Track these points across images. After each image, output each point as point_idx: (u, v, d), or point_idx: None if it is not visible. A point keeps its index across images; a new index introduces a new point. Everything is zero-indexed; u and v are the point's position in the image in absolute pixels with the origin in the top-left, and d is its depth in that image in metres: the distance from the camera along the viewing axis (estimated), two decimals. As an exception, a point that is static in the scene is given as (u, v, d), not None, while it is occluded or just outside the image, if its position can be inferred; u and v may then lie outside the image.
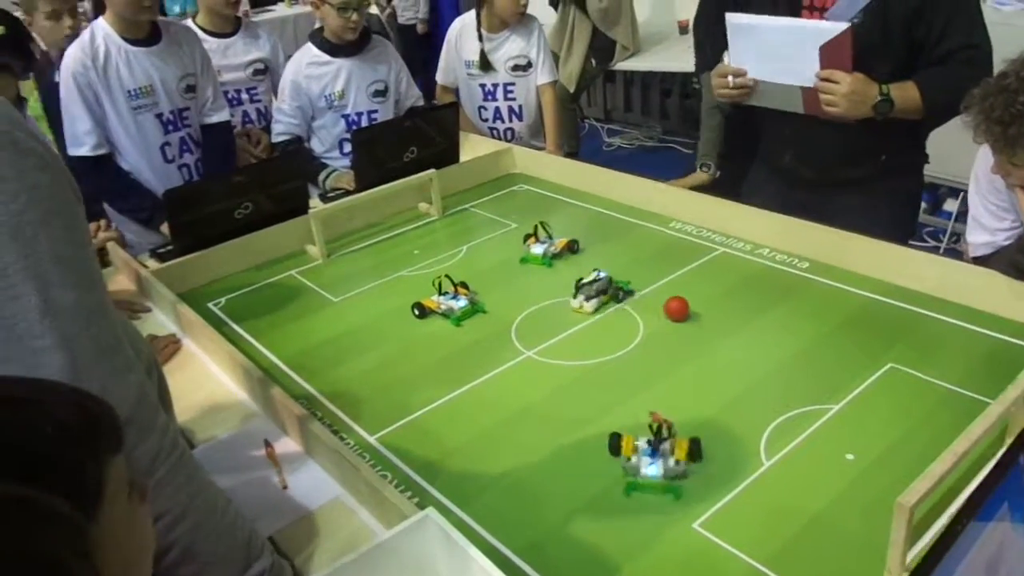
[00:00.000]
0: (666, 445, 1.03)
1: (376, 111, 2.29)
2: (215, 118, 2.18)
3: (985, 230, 1.39)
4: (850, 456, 1.05)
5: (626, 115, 5.09)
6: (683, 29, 4.34)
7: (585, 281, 1.45)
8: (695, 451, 1.05)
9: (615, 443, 1.06)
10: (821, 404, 1.14)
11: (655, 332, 1.37)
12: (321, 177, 2.23)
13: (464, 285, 1.51)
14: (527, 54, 2.50)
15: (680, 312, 1.37)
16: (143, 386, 0.79)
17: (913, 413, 1.12)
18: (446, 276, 1.51)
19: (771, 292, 1.46)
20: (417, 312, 1.48)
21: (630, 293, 1.47)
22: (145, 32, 2.00)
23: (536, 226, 1.67)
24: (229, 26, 2.43)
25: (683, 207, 1.77)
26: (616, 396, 1.21)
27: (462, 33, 2.53)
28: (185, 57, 2.07)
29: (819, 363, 1.25)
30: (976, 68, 1.50)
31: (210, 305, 1.59)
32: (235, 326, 1.51)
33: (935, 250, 3.12)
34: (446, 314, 1.46)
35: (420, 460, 1.12)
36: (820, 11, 1.59)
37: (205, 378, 1.36)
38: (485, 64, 2.47)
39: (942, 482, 0.86)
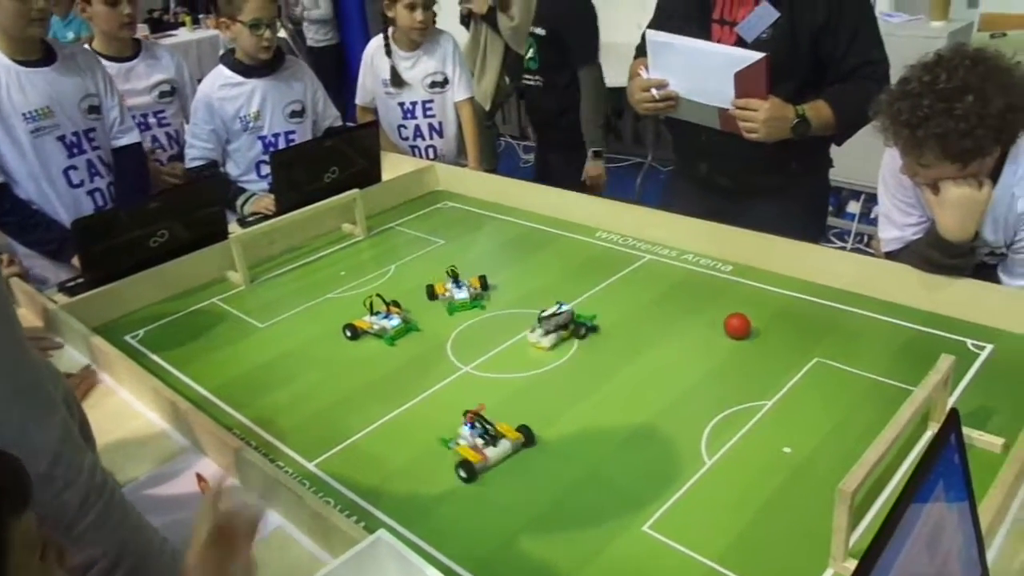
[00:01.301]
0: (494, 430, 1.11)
1: (293, 132, 2.25)
2: (124, 140, 2.09)
3: (895, 226, 1.46)
4: (787, 449, 1.08)
5: (541, 131, 5.14)
6: (593, 46, 4.43)
7: (546, 314, 1.37)
8: (527, 436, 1.13)
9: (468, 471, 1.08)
10: (755, 401, 1.17)
11: (589, 341, 1.38)
12: (239, 202, 2.16)
13: (396, 304, 1.49)
14: (443, 70, 2.51)
15: (742, 329, 1.33)
16: (67, 425, 0.75)
17: (841, 404, 1.16)
18: (377, 296, 1.48)
19: (699, 296, 1.49)
20: (348, 334, 1.45)
21: (594, 329, 1.39)
22: (37, 53, 1.90)
23: (447, 271, 1.57)
24: (127, 49, 2.34)
25: (608, 217, 1.80)
26: (556, 406, 1.21)
27: (377, 52, 2.52)
28: (85, 77, 1.98)
29: (750, 362, 1.29)
30: (878, 83, 1.58)
31: (127, 338, 1.52)
32: (156, 358, 1.45)
33: (842, 250, 3.26)
34: (379, 334, 1.44)
35: (362, 484, 1.09)
36: (731, 24, 1.65)
37: (125, 414, 1.30)
38: (397, 80, 2.46)
39: (877, 467, 0.90)
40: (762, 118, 1.55)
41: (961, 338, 1.28)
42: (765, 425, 1.13)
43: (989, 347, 1.25)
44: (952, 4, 3.04)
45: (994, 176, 1.31)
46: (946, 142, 1.20)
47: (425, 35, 2.44)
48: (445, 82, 2.51)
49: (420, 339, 1.44)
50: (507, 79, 4.19)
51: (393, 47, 2.47)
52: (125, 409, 1.31)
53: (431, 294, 1.55)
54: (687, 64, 1.61)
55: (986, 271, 1.40)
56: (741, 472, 1.05)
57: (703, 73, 1.59)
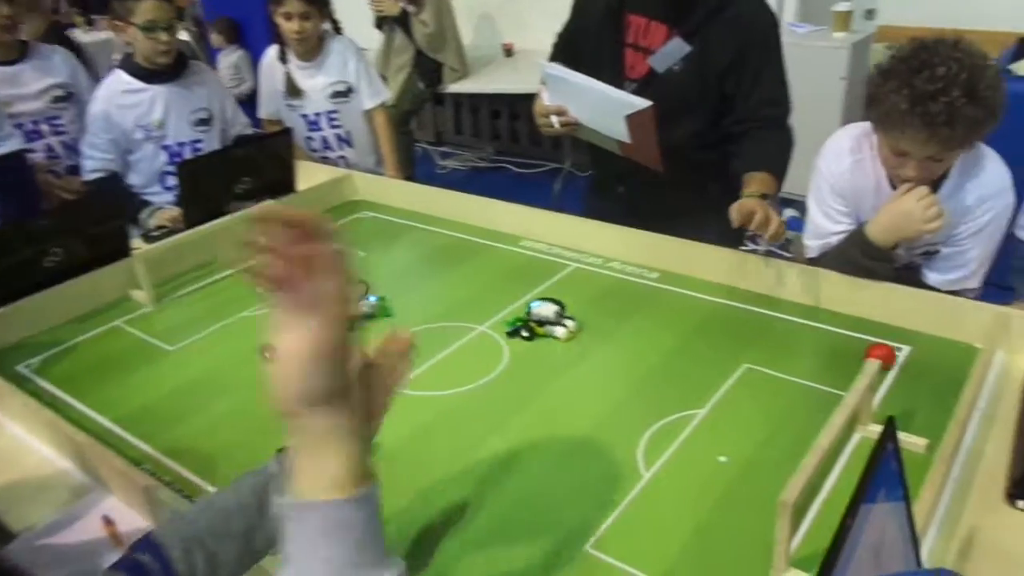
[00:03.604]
0: None
1: (200, 141, 2.14)
2: (1, 149, 1.94)
3: (821, 234, 1.49)
4: (723, 458, 1.07)
5: (457, 137, 5.12)
6: (508, 52, 4.44)
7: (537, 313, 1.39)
8: None
9: None
10: (688, 410, 1.17)
11: (519, 354, 1.35)
12: (143, 215, 2.04)
13: (316, 321, 1.42)
14: (345, 79, 2.44)
15: (890, 358, 1.24)
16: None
17: (773, 410, 1.17)
18: (296, 313, 1.41)
19: (626, 305, 1.48)
20: (267, 355, 1.37)
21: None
22: None
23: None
24: (13, 52, 2.19)
25: (532, 225, 1.78)
26: (489, 423, 1.18)
27: (274, 63, 2.43)
28: None
29: (680, 370, 1.28)
30: (783, 130, 1.62)
31: (20, 368, 1.40)
32: (53, 388, 1.34)
33: (767, 256, 3.34)
34: (300, 354, 1.37)
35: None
36: (645, 51, 1.65)
37: (17, 452, 1.19)
38: (293, 89, 2.38)
39: (814, 475, 0.90)
40: (763, 217, 1.42)
41: (881, 340, 1.30)
42: (700, 434, 1.12)
43: (907, 349, 1.29)
44: (853, 16, 3.17)
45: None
46: (952, 123, 1.22)
47: (306, 44, 2.36)
48: (349, 91, 2.44)
49: (343, 357, 1.37)
50: (421, 85, 4.15)
51: (289, 56, 2.39)
52: (18, 447, 1.20)
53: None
54: (582, 99, 1.60)
55: (908, 273, 1.45)
56: (679, 484, 1.03)
57: (598, 109, 1.59)
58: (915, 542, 0.80)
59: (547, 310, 1.39)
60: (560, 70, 1.60)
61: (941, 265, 1.44)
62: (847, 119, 3.12)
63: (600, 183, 1.96)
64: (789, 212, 3.48)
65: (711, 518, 0.98)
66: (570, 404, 1.21)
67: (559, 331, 1.38)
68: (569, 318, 1.39)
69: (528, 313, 1.40)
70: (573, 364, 1.31)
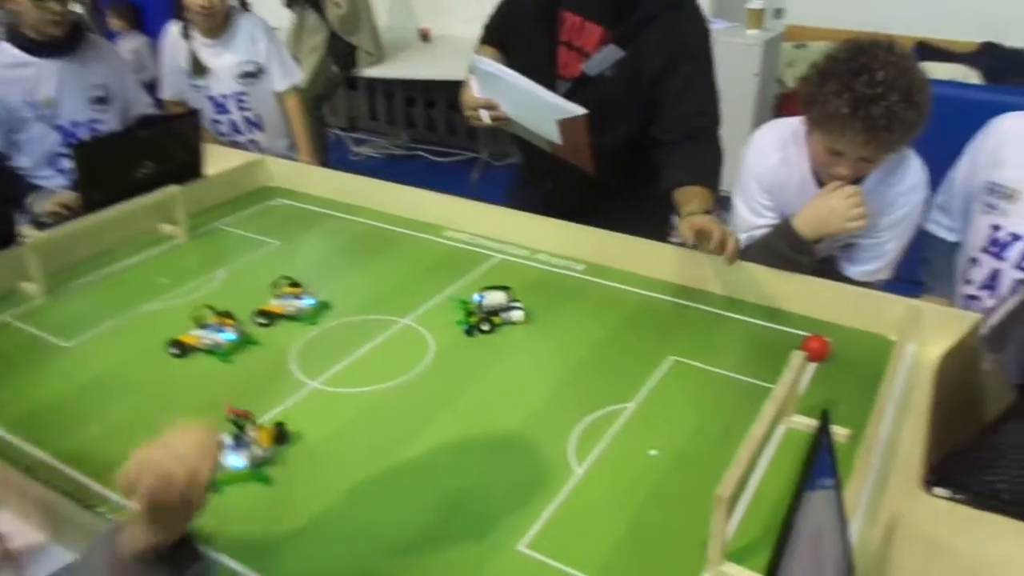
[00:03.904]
0: (251, 435, 1.04)
1: (98, 121, 2.00)
2: None
3: (746, 227, 1.51)
4: (653, 452, 1.07)
5: (371, 123, 5.00)
6: (424, 36, 4.35)
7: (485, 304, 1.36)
8: (280, 433, 1.07)
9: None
10: (618, 404, 1.16)
11: (445, 347, 1.31)
12: (30, 200, 1.89)
13: (229, 315, 1.34)
14: (254, 59, 2.33)
15: (823, 353, 1.26)
16: None
17: (700, 402, 1.17)
18: (207, 307, 1.33)
19: (554, 297, 1.46)
20: (175, 351, 1.29)
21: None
22: None
23: (271, 286, 1.44)
24: None
25: (456, 215, 1.74)
26: (416, 420, 1.14)
27: (176, 40, 2.30)
28: None
29: (609, 363, 1.27)
30: (712, 142, 1.60)
31: None
32: (-68, 389, 1.22)
33: (693, 249, 3.40)
34: (211, 350, 1.29)
35: (203, 524, 0.96)
36: (578, 51, 1.63)
37: None
38: (198, 67, 2.26)
39: (747, 468, 0.90)
40: (722, 235, 1.37)
41: (801, 332, 1.33)
42: (630, 428, 1.11)
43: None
44: (765, 14, 3.25)
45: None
46: (891, 127, 1.25)
47: (213, 20, 2.24)
48: (259, 72, 2.33)
49: (259, 353, 1.30)
50: (335, 68, 4.03)
51: (193, 32, 2.26)
52: None
53: (269, 318, 1.38)
54: (514, 97, 1.57)
55: (826, 265, 1.48)
56: (612, 479, 1.02)
57: (530, 109, 1.56)
58: (845, 528, 0.81)
59: (497, 298, 1.36)
60: (492, 66, 1.55)
61: (859, 257, 1.48)
62: (759, 115, 3.21)
63: (528, 177, 1.93)
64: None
65: (644, 513, 0.97)
66: (499, 399, 1.19)
67: (516, 315, 1.36)
68: (516, 300, 1.37)
69: (479, 307, 1.36)
70: (501, 358, 1.28)
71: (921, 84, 1.28)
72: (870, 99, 1.25)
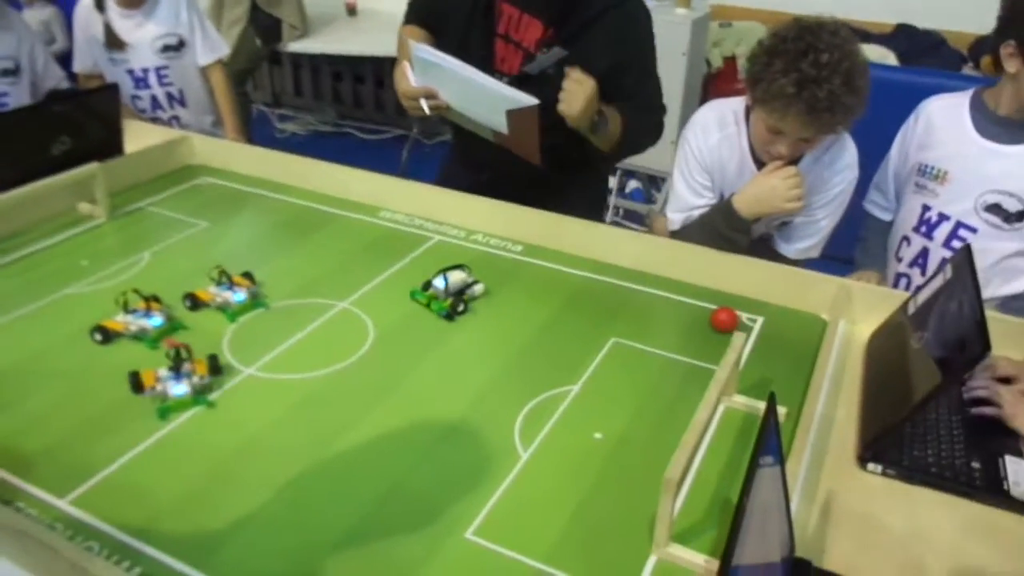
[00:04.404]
0: (187, 366, 1.11)
1: (6, 95, 1.89)
2: None
3: (684, 206, 1.52)
4: (598, 435, 1.07)
5: (296, 99, 4.86)
6: (351, 10, 4.24)
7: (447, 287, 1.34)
8: (214, 365, 1.14)
9: (135, 381, 1.11)
10: (562, 387, 1.16)
11: (386, 331, 1.29)
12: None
13: (156, 299, 1.28)
14: (176, 32, 2.22)
15: (730, 324, 1.29)
16: None
17: (642, 384, 1.18)
18: (133, 291, 1.27)
19: (492, 278, 1.45)
20: (99, 337, 1.23)
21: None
22: None
23: (209, 275, 1.37)
24: None
25: (391, 196, 1.70)
26: (357, 407, 1.11)
27: (90, 11, 2.17)
28: None
29: (552, 346, 1.27)
30: (657, 125, 1.62)
31: None
32: None
33: (630, 231, 3.43)
34: (138, 336, 1.23)
35: (132, 520, 0.92)
36: (517, 45, 1.59)
37: None
38: (113, 40, 2.14)
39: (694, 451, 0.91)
40: (586, 94, 1.46)
41: (738, 312, 1.35)
42: (575, 411, 1.12)
43: (760, 320, 1.35)
44: (691, -7, 3.27)
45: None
46: (832, 110, 1.27)
47: None
48: (181, 44, 2.23)
49: (189, 339, 1.24)
50: (258, 42, 3.89)
51: (107, 3, 2.14)
52: None
53: (195, 303, 1.33)
54: (458, 87, 1.52)
55: (761, 244, 1.51)
56: (558, 464, 1.02)
57: (475, 99, 1.53)
58: (787, 505, 0.84)
59: (458, 277, 1.35)
60: (432, 53, 1.50)
61: (793, 235, 1.52)
62: (687, 95, 3.24)
63: (462, 163, 1.90)
64: (633, 184, 3.59)
65: (590, 496, 0.97)
66: (442, 384, 1.17)
67: (478, 288, 1.37)
68: (472, 275, 1.38)
69: (445, 289, 1.33)
70: (443, 341, 1.27)
71: (863, 68, 1.31)
72: (814, 80, 1.27)
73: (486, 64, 1.60)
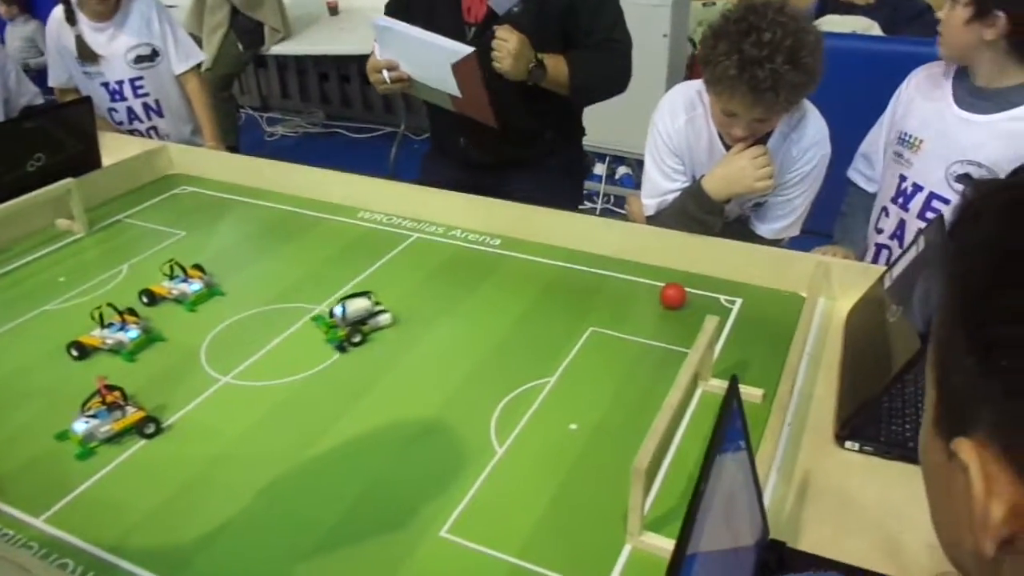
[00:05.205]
0: (117, 414, 1.07)
1: (-23, 113, 1.88)
2: None
3: (657, 191, 1.51)
4: (573, 426, 1.07)
5: (284, 102, 4.85)
6: (332, 10, 4.22)
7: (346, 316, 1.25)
8: (141, 429, 1.07)
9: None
10: (539, 379, 1.15)
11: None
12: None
13: (132, 312, 1.28)
14: (148, 42, 2.22)
15: (679, 299, 1.30)
16: None
17: (617, 372, 1.17)
18: (108, 305, 1.27)
19: (471, 273, 1.45)
20: (75, 353, 1.23)
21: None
22: None
23: (161, 270, 1.40)
24: None
25: (369, 196, 1.69)
26: (331, 411, 1.11)
27: (62, 25, 2.17)
28: None
29: (529, 337, 1.26)
30: (618, 58, 1.62)
31: None
32: None
33: (592, 211, 3.42)
34: (115, 350, 1.23)
35: (108, 534, 0.92)
36: None
37: None
38: (86, 52, 2.14)
39: (664, 437, 0.91)
40: (512, 49, 1.53)
41: (714, 295, 1.35)
42: (550, 403, 1.11)
43: (739, 301, 1.34)
44: (672, -27, 3.24)
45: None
46: (776, 89, 1.26)
47: (106, 4, 2.13)
48: (155, 54, 2.22)
49: (166, 350, 1.25)
50: (241, 46, 3.88)
51: (79, 15, 2.14)
52: None
53: (152, 299, 1.36)
54: (411, 52, 1.56)
55: (738, 226, 1.50)
56: (533, 457, 1.02)
57: (425, 61, 1.55)
58: (758, 488, 0.83)
59: (359, 305, 1.26)
60: (389, 21, 1.54)
61: (769, 215, 1.51)
62: (671, 77, 3.22)
63: (439, 141, 1.91)
64: (623, 170, 3.58)
65: (564, 489, 0.97)
66: (419, 383, 1.17)
67: (384, 318, 1.27)
68: (379, 304, 1.29)
69: (343, 318, 1.25)
70: (419, 340, 1.26)
71: (812, 45, 1.29)
72: (755, 60, 1.26)
73: (455, 18, 1.64)
